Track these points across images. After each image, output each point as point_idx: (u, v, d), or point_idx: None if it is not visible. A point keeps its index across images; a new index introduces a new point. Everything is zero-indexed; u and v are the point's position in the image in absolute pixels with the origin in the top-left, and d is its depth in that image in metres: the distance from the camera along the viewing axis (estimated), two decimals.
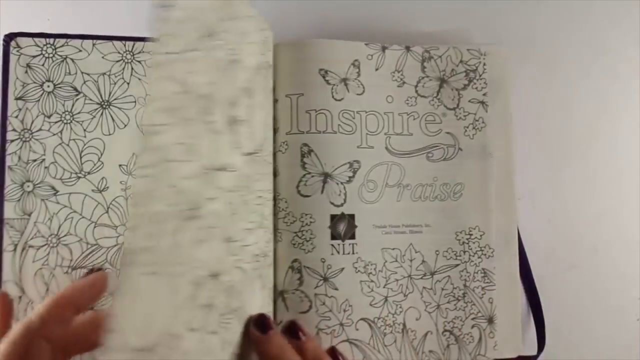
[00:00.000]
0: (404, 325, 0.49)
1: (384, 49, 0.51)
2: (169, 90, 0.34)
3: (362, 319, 0.48)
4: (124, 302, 0.30)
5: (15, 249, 0.46)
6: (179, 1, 0.35)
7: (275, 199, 0.49)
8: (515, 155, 0.54)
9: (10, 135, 0.47)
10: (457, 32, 0.59)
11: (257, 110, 0.43)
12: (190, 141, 0.35)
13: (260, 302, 0.44)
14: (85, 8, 0.54)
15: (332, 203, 0.48)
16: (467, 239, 0.51)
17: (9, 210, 0.46)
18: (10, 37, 0.46)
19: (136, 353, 0.30)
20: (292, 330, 0.43)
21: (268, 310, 0.46)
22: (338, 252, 0.48)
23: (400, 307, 0.49)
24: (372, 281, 0.49)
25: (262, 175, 0.44)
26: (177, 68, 0.34)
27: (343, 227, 0.48)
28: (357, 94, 0.50)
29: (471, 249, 0.51)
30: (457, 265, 0.51)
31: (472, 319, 0.51)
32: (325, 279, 0.47)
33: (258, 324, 0.41)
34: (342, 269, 0.48)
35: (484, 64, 0.53)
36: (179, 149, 0.34)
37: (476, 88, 0.53)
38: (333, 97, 0.49)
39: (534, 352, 0.55)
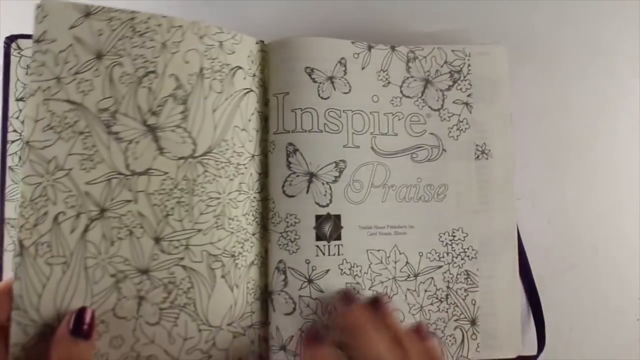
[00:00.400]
0: None
1: (370, 47, 0.51)
2: (59, 109, 0.41)
3: None
4: (30, 284, 0.41)
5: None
6: (56, 33, 0.42)
7: (267, 199, 0.49)
8: (515, 155, 0.54)
9: (11, 136, 0.48)
10: (457, 32, 0.59)
11: (199, 114, 0.45)
12: (90, 151, 0.42)
13: (230, 302, 0.46)
14: None
15: (317, 203, 0.48)
16: (450, 240, 0.51)
17: (10, 210, 0.47)
18: (11, 39, 0.47)
19: (51, 330, 0.40)
20: (376, 306, 0.44)
21: (246, 310, 0.47)
22: (323, 254, 0.47)
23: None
24: (357, 283, 0.48)
25: (217, 177, 0.46)
26: (66, 90, 0.42)
27: (329, 227, 0.48)
28: (344, 93, 0.49)
29: (454, 250, 0.51)
30: (441, 266, 0.51)
31: (455, 320, 0.50)
32: (310, 281, 0.47)
33: (342, 297, 0.46)
34: (327, 270, 0.47)
35: (469, 65, 0.53)
36: (77, 158, 0.41)
37: (460, 89, 0.52)
38: (319, 95, 0.48)
39: (534, 352, 0.54)
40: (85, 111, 0.42)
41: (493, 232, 0.52)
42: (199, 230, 0.45)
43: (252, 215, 0.48)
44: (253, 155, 0.49)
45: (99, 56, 0.43)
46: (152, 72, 0.44)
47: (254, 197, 0.49)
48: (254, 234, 0.48)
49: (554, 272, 0.57)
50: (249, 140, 0.48)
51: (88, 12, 0.43)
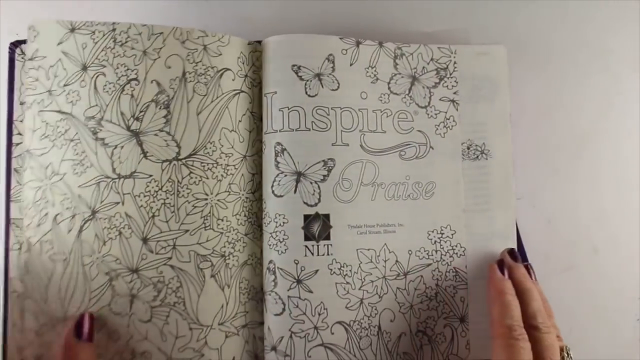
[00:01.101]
0: (379, 327, 0.49)
1: (358, 43, 0.51)
2: (52, 119, 0.45)
3: (337, 323, 0.48)
4: (38, 277, 0.44)
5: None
6: (46, 50, 0.46)
7: (261, 199, 0.50)
8: (515, 155, 0.54)
9: (16, 139, 0.49)
10: (457, 32, 0.59)
11: (182, 118, 0.47)
12: (79, 157, 0.45)
13: (221, 301, 0.47)
14: (84, 16, 0.55)
15: (305, 203, 0.48)
16: (438, 238, 0.51)
17: (15, 211, 0.48)
18: (15, 45, 0.49)
19: (58, 320, 0.44)
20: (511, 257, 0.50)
21: (239, 310, 0.48)
22: (312, 254, 0.48)
23: (376, 309, 0.49)
24: (347, 283, 0.48)
25: (204, 178, 0.47)
26: (57, 101, 0.45)
27: (317, 227, 0.48)
28: (332, 90, 0.49)
29: (443, 248, 0.51)
30: (430, 264, 0.51)
31: (444, 318, 0.51)
32: (299, 281, 0.47)
33: (510, 254, 0.50)
34: (317, 270, 0.48)
35: (455, 63, 0.53)
36: (69, 164, 0.45)
37: (447, 87, 0.53)
38: (306, 93, 0.49)
39: None
40: (74, 120, 0.46)
41: (492, 231, 0.52)
42: (186, 231, 0.47)
43: (245, 216, 0.49)
44: (244, 156, 0.50)
45: (84, 68, 0.46)
46: (134, 79, 0.47)
47: (247, 198, 0.50)
48: (246, 234, 0.49)
49: (554, 272, 0.57)
50: (240, 141, 0.49)
51: (73, 28, 0.46)
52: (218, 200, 0.48)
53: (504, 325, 0.44)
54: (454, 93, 0.52)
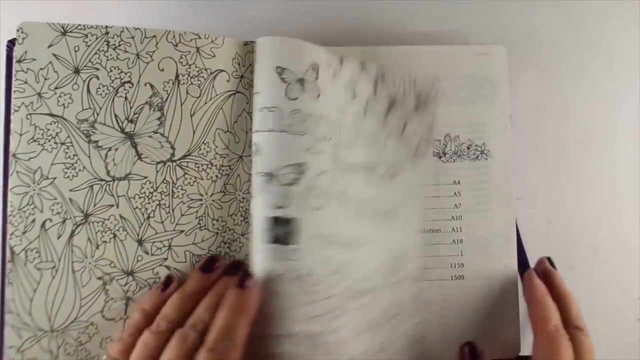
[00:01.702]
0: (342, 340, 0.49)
1: (341, 61, 0.51)
2: (42, 122, 0.45)
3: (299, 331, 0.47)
4: (22, 288, 0.44)
5: None
6: (36, 52, 0.46)
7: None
8: (515, 155, 0.54)
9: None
10: (457, 32, 0.59)
11: (176, 120, 0.48)
12: (72, 160, 0.45)
13: None
14: (85, 16, 0.57)
15: (273, 205, 0.47)
16: (402, 255, 0.51)
17: None
18: (13, 43, 0.49)
19: (43, 333, 0.44)
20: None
21: None
22: (276, 258, 0.46)
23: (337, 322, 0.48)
24: (314, 292, 0.47)
25: (198, 179, 0.48)
26: (48, 104, 0.45)
27: (283, 231, 0.47)
28: (312, 97, 0.49)
29: (406, 266, 0.51)
30: (394, 282, 0.51)
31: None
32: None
33: (549, 261, 0.52)
34: (279, 275, 0.46)
35: (435, 94, 0.53)
36: (60, 167, 0.45)
37: (425, 110, 0.53)
38: (286, 95, 0.48)
39: None
40: (66, 123, 0.46)
41: (492, 231, 0.52)
42: (181, 231, 0.48)
43: (241, 216, 0.50)
44: (240, 156, 0.50)
45: (77, 71, 0.47)
46: (128, 82, 0.47)
47: (243, 198, 0.50)
48: (243, 234, 0.50)
49: None
50: (236, 141, 0.50)
51: (65, 31, 0.47)
52: (213, 200, 0.48)
53: (550, 322, 0.46)
54: (431, 115, 0.53)
